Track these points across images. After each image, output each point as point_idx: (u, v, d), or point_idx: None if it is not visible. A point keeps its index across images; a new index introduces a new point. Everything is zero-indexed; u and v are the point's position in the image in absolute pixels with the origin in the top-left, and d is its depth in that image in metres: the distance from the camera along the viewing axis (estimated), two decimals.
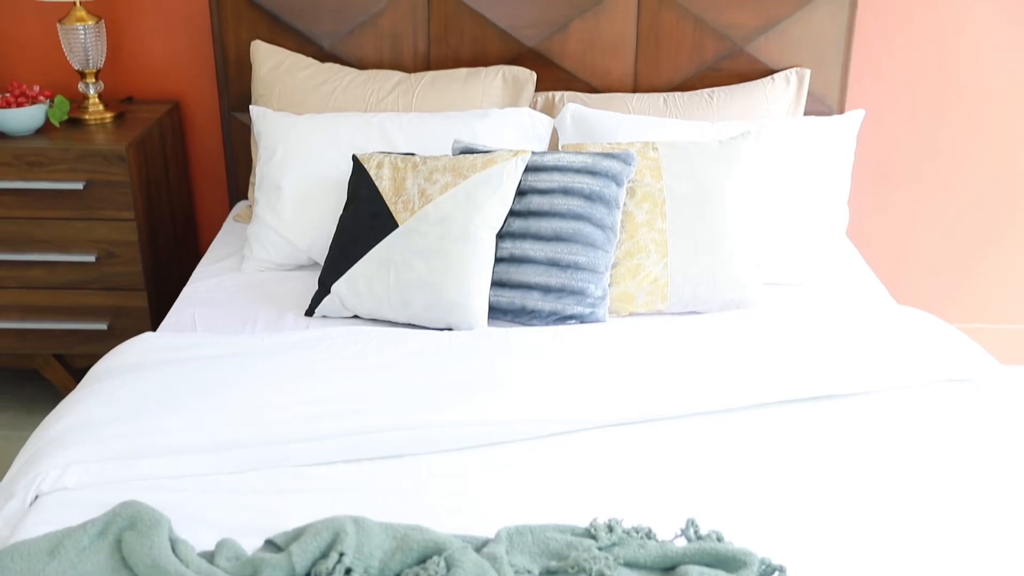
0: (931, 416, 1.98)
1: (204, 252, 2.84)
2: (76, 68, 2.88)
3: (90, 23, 2.83)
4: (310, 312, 2.38)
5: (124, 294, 2.85)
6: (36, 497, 1.75)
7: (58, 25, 2.83)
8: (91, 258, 2.79)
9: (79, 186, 2.72)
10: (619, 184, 2.37)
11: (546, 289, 2.30)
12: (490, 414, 1.91)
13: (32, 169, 2.72)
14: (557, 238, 2.31)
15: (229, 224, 2.92)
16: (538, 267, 2.31)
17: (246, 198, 3.03)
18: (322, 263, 2.47)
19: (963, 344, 2.21)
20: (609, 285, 2.36)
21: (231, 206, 3.07)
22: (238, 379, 2.00)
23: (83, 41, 2.83)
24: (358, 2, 2.88)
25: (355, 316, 2.37)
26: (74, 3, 2.80)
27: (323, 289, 2.37)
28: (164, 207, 2.98)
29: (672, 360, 2.10)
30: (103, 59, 2.89)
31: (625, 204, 2.39)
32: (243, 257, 2.64)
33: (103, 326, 2.86)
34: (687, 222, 2.38)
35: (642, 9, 2.88)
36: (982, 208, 3.20)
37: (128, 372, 2.05)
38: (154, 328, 2.71)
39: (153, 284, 2.88)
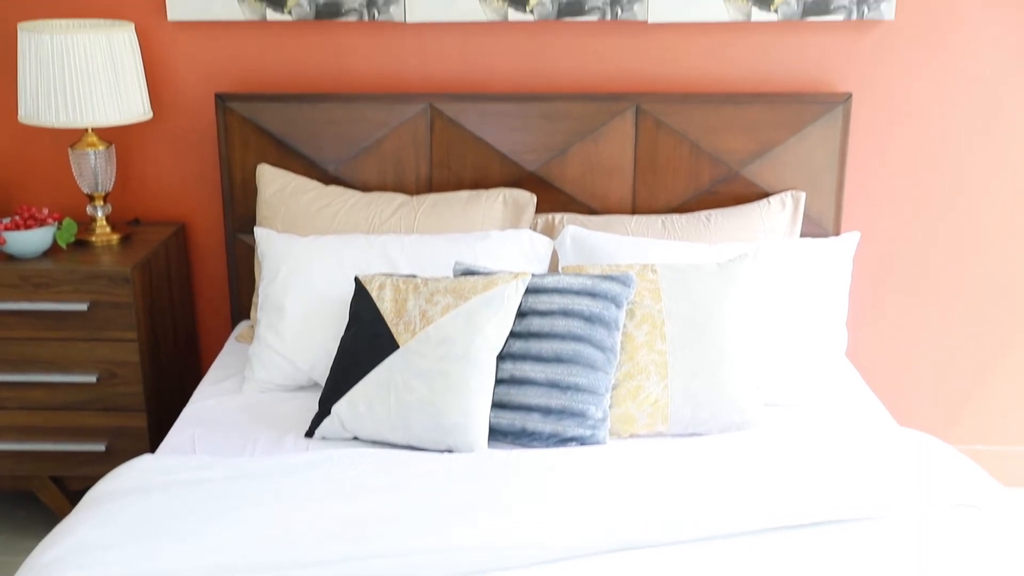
0: (937, 542, 1.95)
1: (205, 372, 2.84)
2: (85, 191, 2.93)
3: (101, 148, 2.89)
4: (310, 434, 2.38)
5: (124, 415, 2.84)
6: None
7: (70, 150, 2.90)
8: (92, 378, 2.80)
9: (83, 307, 2.74)
10: (619, 306, 2.39)
11: (547, 411, 2.30)
12: (493, 539, 1.89)
13: (37, 290, 2.75)
14: (557, 360, 2.32)
15: (231, 344, 2.93)
16: (539, 389, 2.31)
17: (248, 318, 3.05)
18: (323, 384, 2.47)
19: (967, 468, 2.20)
20: (609, 407, 2.36)
21: (233, 326, 3.09)
22: (237, 502, 1.99)
23: (93, 166, 2.89)
24: (363, 127, 2.96)
25: (355, 438, 2.36)
26: (86, 130, 2.87)
27: (323, 410, 2.37)
28: (167, 327, 3.00)
29: (674, 484, 2.09)
30: (112, 183, 2.95)
31: (625, 325, 2.41)
32: (244, 378, 2.65)
33: (101, 447, 2.85)
34: (687, 343, 2.40)
35: (640, 135, 2.95)
36: (981, 329, 3.22)
37: (126, 495, 2.03)
38: (153, 450, 2.71)
39: (153, 404, 2.88)
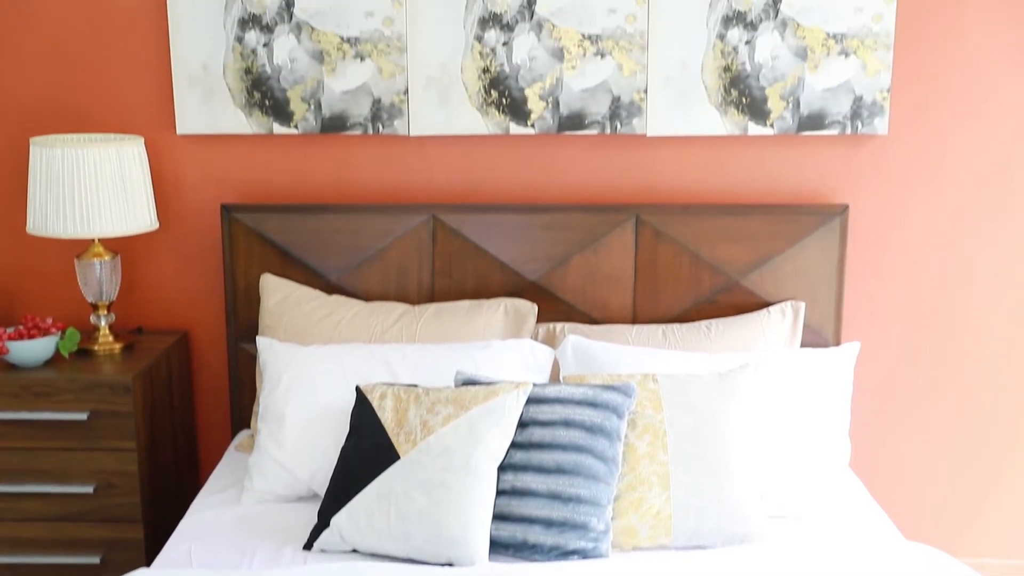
0: None
1: (204, 481, 2.82)
2: (89, 301, 2.96)
3: (106, 258, 2.93)
4: (308, 546, 2.34)
5: (120, 526, 2.80)
6: None
7: (76, 260, 2.93)
8: (89, 489, 2.77)
9: (83, 416, 2.74)
10: (620, 416, 2.38)
11: (548, 523, 2.27)
12: None
13: (38, 400, 2.75)
14: (559, 470, 2.30)
15: (230, 453, 2.91)
16: (540, 500, 2.29)
17: (248, 427, 3.04)
18: (323, 495, 2.45)
19: None
20: (612, 518, 2.33)
21: (233, 435, 3.07)
22: None
23: (98, 275, 2.92)
24: (366, 238, 2.99)
25: (354, 550, 2.33)
26: (93, 240, 2.91)
27: (323, 522, 2.34)
28: (166, 437, 2.99)
29: None
30: (116, 292, 2.98)
31: (626, 436, 2.40)
32: (243, 488, 2.62)
33: (96, 560, 2.81)
34: (689, 454, 2.38)
35: (640, 245, 2.99)
36: (987, 438, 3.20)
37: None
38: (149, 563, 2.66)
39: (150, 515, 2.85)
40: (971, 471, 3.22)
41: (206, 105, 3.00)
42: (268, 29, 2.95)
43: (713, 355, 2.74)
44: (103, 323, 2.97)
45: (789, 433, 2.58)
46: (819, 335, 3.00)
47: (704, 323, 2.92)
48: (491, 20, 2.93)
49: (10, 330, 2.87)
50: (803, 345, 2.97)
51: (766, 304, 2.99)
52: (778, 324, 2.91)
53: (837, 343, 3.02)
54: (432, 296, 3.03)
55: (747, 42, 2.93)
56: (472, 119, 2.99)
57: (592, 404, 2.38)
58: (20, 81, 3.04)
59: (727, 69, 2.95)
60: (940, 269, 3.11)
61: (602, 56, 2.95)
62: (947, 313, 3.13)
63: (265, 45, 2.96)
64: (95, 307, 2.97)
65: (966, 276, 3.11)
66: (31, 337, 2.84)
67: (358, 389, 2.49)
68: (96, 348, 2.95)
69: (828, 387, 2.70)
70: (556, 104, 2.98)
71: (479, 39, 2.94)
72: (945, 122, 3.02)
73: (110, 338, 2.97)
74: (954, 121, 3.02)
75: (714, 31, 2.93)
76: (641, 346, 2.83)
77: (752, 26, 2.92)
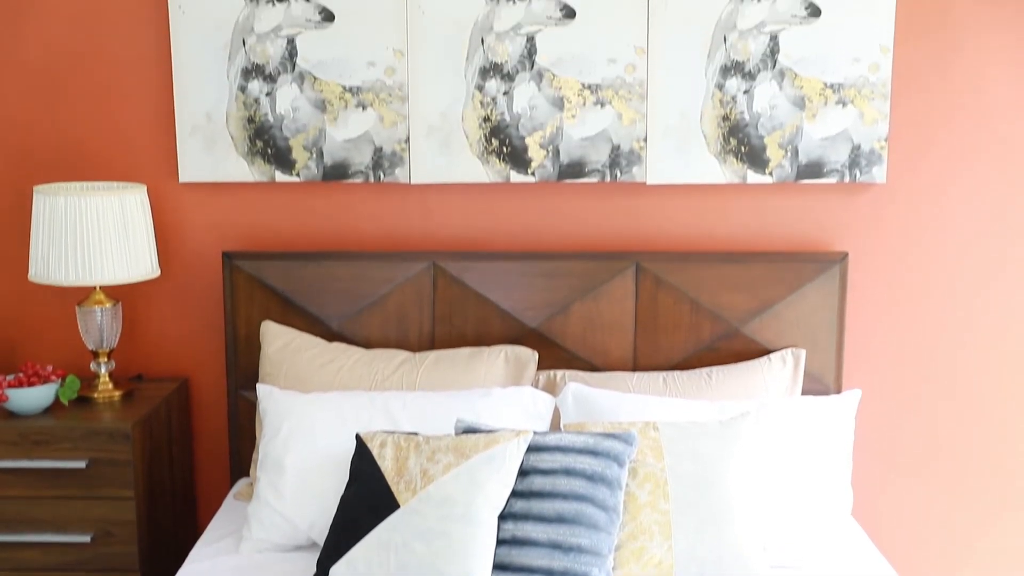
0: None
1: (203, 530, 2.80)
2: (90, 348, 2.96)
3: (108, 306, 2.93)
4: None
5: None
6: None
7: (77, 308, 2.93)
8: (87, 538, 2.75)
9: (81, 464, 2.72)
10: (621, 464, 2.37)
11: (549, 573, 2.25)
12: None
13: (37, 448, 2.74)
14: (560, 520, 2.29)
15: (229, 502, 2.90)
16: (540, 550, 2.27)
17: (248, 476, 3.03)
18: (322, 544, 2.43)
19: None
20: (612, 568, 2.31)
21: (232, 483, 3.06)
22: None
23: (99, 323, 2.92)
24: (367, 285, 3.00)
25: None
26: (94, 288, 2.92)
27: (322, 572, 2.32)
28: (165, 485, 2.97)
29: None
30: (117, 339, 2.98)
31: (627, 484, 2.39)
32: (241, 537, 2.61)
33: None
34: (690, 503, 2.37)
35: (640, 292, 2.99)
36: (988, 485, 3.18)
37: None
38: None
39: (148, 565, 2.82)
40: (974, 520, 3.20)
41: (209, 153, 3.02)
42: (271, 79, 2.98)
43: (714, 403, 2.73)
44: (103, 370, 2.97)
45: (791, 482, 2.57)
46: (820, 382, 3.00)
47: (705, 370, 2.92)
48: (492, 70, 2.96)
49: (10, 377, 2.86)
50: (804, 392, 2.96)
51: (767, 351, 2.99)
52: (779, 371, 2.91)
53: (838, 390, 3.01)
54: (433, 343, 3.03)
55: (745, 91, 2.96)
56: (473, 167, 3.01)
57: (593, 452, 2.37)
58: (25, 128, 3.06)
59: (726, 118, 2.98)
60: (940, 317, 3.11)
61: (602, 105, 2.97)
62: (948, 361, 3.13)
63: (268, 94, 2.99)
64: (95, 354, 2.97)
65: (966, 323, 3.11)
66: (31, 384, 2.84)
67: (358, 437, 2.48)
68: (96, 395, 2.94)
69: (830, 435, 2.69)
70: (556, 152, 3.00)
71: (480, 88, 2.97)
72: (943, 170, 3.04)
73: (110, 385, 2.97)
74: (952, 169, 3.04)
75: (713, 81, 2.96)
76: (642, 393, 2.83)
77: (750, 76, 2.95)
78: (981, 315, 3.11)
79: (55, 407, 2.88)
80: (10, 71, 3.05)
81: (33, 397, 2.81)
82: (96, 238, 2.78)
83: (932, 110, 3.01)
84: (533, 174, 3.01)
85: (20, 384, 2.83)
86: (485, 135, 3.00)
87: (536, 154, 3.00)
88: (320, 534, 2.52)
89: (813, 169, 2.99)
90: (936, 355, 3.13)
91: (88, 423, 2.77)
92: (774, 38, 2.93)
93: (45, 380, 2.87)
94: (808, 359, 2.97)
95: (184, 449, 3.14)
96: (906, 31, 2.96)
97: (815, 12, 2.92)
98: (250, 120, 3.00)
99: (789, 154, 2.99)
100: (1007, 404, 3.15)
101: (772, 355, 2.94)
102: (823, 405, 2.75)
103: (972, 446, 3.17)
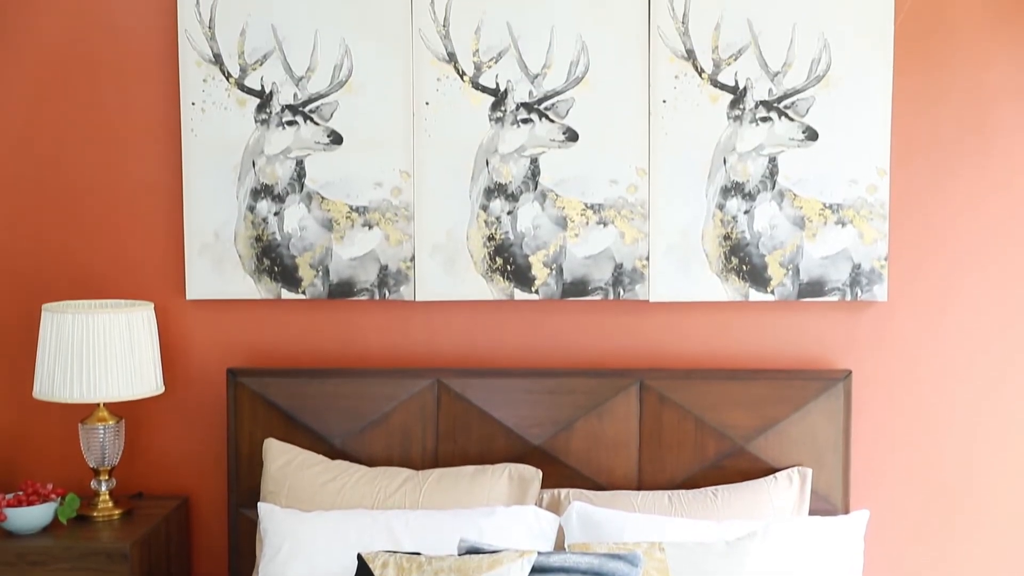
0: None
1: None
2: (91, 466, 2.94)
3: (111, 423, 2.93)
4: None
5: None
6: None
7: (80, 425, 2.93)
8: None
9: None
10: None
11: None
12: None
13: (33, 568, 2.70)
14: None
15: None
16: None
17: None
18: None
19: None
20: None
21: None
22: None
23: (101, 440, 2.91)
24: (371, 402, 3.00)
25: None
26: (98, 405, 2.92)
27: None
28: None
29: None
30: (119, 457, 2.96)
31: None
32: None
33: None
34: None
35: (644, 409, 2.99)
36: None
37: None
38: None
39: None
40: None
41: (216, 271, 3.06)
42: (280, 199, 3.04)
43: (720, 522, 2.70)
44: (104, 488, 2.95)
45: None
46: (827, 501, 2.96)
47: (710, 489, 2.89)
48: (496, 190, 3.02)
49: (9, 496, 2.84)
50: (811, 512, 2.92)
51: (773, 470, 2.96)
52: (785, 491, 2.87)
53: (846, 510, 2.97)
54: (436, 461, 3.01)
55: (746, 211, 3.01)
56: (477, 285, 3.04)
57: (598, 574, 2.33)
58: (36, 246, 3.12)
59: (727, 237, 3.02)
60: (947, 434, 3.09)
61: (604, 225, 3.02)
62: (956, 479, 3.09)
63: (276, 214, 3.04)
64: (96, 472, 2.95)
65: (973, 441, 3.09)
66: (30, 503, 2.82)
67: (360, 557, 2.44)
68: (95, 514, 2.91)
69: (838, 556, 2.65)
70: (560, 271, 3.03)
71: (484, 208, 3.02)
72: (944, 288, 3.06)
73: (110, 504, 2.94)
74: (953, 287, 3.06)
75: (713, 201, 3.01)
76: (647, 513, 2.80)
77: (750, 196, 3.01)
78: (987, 431, 3.09)
79: (54, 526, 2.85)
80: (23, 189, 3.11)
81: (32, 516, 2.78)
82: (102, 355, 2.79)
83: (930, 229, 3.05)
84: (537, 292, 3.04)
85: (19, 503, 2.81)
86: (489, 254, 3.04)
87: (540, 272, 3.04)
88: None
89: (814, 287, 3.02)
90: (944, 474, 3.09)
91: (86, 543, 2.74)
92: (773, 160, 3.00)
93: (45, 499, 2.85)
94: (815, 478, 2.94)
95: (183, 569, 3.09)
96: (902, 154, 3.02)
97: (812, 136, 2.99)
98: (258, 239, 3.05)
99: (790, 273, 3.02)
100: (1016, 521, 3.10)
101: (778, 474, 2.92)
102: (831, 526, 2.72)
103: (981, 566, 3.11)
